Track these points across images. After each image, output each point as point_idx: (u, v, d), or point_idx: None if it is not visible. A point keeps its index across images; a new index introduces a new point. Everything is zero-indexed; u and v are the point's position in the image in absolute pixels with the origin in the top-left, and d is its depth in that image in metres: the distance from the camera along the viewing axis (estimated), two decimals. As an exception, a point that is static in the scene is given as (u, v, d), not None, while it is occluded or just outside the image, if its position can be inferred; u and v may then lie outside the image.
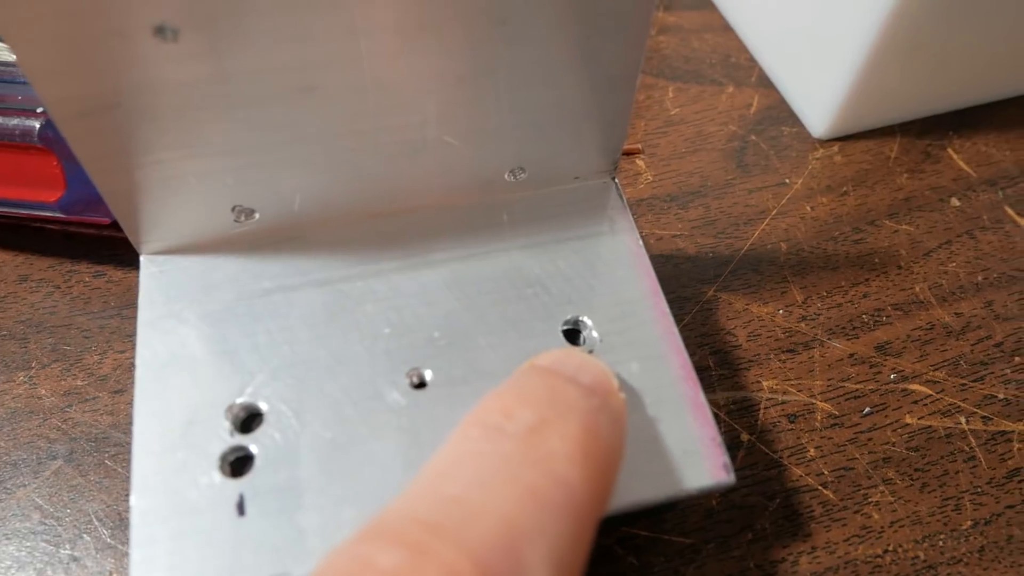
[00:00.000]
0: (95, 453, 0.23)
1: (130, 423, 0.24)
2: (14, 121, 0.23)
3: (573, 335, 0.21)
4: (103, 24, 0.15)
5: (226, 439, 0.18)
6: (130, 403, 0.24)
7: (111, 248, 0.28)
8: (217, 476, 0.18)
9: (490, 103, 0.20)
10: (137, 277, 0.27)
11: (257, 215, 0.21)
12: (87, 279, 0.27)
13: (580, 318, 0.21)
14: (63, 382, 0.25)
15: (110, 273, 0.27)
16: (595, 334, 0.21)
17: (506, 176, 0.22)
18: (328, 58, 0.18)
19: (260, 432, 0.19)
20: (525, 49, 0.19)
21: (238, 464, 0.19)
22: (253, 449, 0.18)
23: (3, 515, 0.22)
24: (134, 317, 0.26)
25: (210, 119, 0.18)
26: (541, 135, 0.21)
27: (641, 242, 0.22)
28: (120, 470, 0.23)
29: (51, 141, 0.23)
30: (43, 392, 0.25)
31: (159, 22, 0.16)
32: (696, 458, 0.19)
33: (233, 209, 0.20)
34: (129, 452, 0.23)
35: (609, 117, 0.22)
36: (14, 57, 0.28)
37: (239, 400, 0.19)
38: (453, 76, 0.19)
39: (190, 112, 0.18)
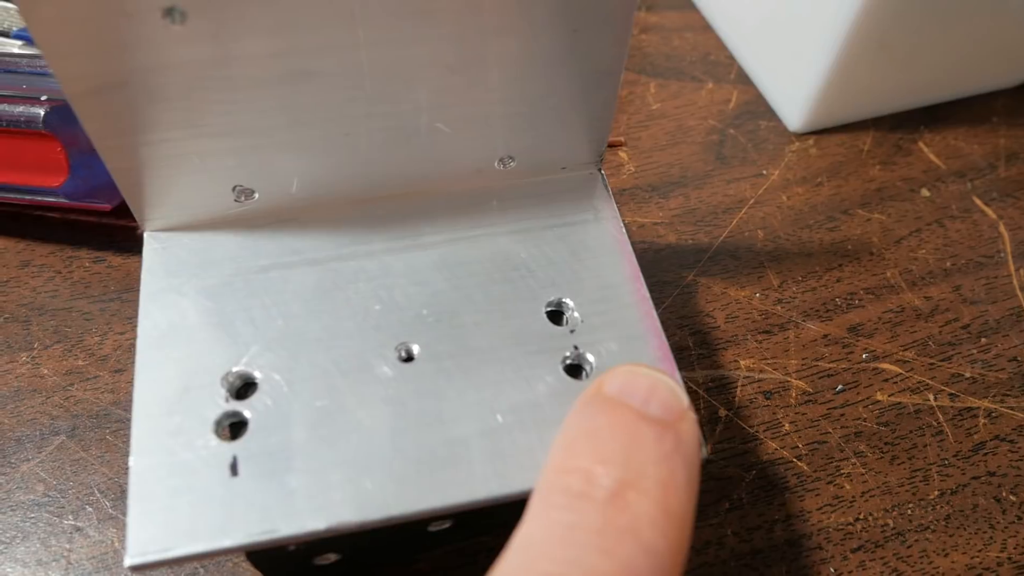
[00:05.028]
0: (97, 429, 0.24)
1: (131, 398, 0.25)
2: (19, 108, 0.24)
3: (556, 316, 0.22)
4: (115, 5, 0.16)
5: (221, 405, 0.19)
6: (131, 382, 0.25)
7: (110, 235, 0.29)
8: (212, 439, 0.19)
9: (481, 93, 0.21)
10: (136, 263, 0.28)
11: (256, 196, 0.22)
12: (87, 264, 0.28)
13: (563, 300, 0.22)
14: (65, 362, 0.26)
15: (110, 259, 0.28)
16: (577, 315, 0.21)
17: (496, 164, 0.23)
18: (327, 44, 0.19)
19: (254, 399, 0.19)
20: (515, 41, 0.20)
21: (232, 429, 0.19)
22: (247, 414, 0.19)
23: (8, 488, 0.23)
24: (134, 300, 0.27)
25: (213, 100, 0.19)
26: (530, 126, 0.23)
27: (624, 230, 0.23)
28: (121, 445, 0.24)
29: (55, 128, 0.24)
30: (45, 372, 0.25)
31: (169, 4, 0.17)
32: None
33: (234, 189, 0.21)
34: (130, 426, 0.24)
35: (595, 110, 0.23)
36: (16, 50, 0.29)
37: (234, 369, 0.20)
38: (445, 66, 0.20)
39: (194, 93, 0.19)
